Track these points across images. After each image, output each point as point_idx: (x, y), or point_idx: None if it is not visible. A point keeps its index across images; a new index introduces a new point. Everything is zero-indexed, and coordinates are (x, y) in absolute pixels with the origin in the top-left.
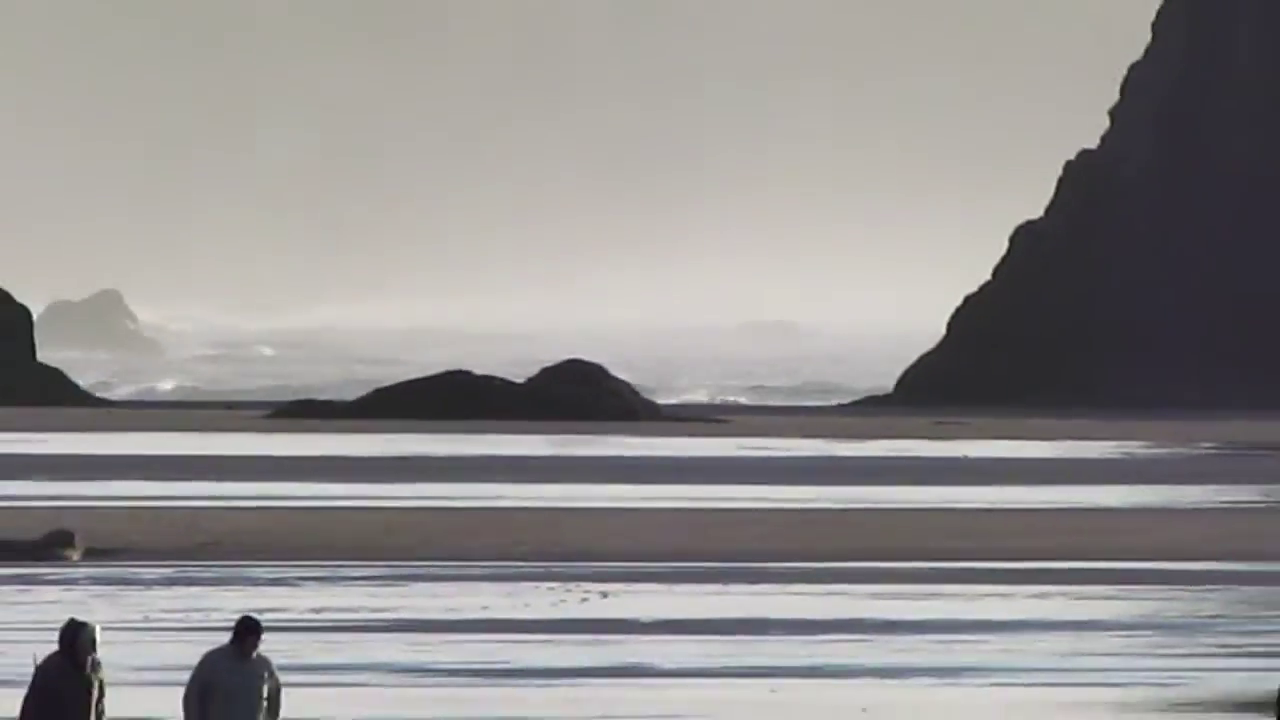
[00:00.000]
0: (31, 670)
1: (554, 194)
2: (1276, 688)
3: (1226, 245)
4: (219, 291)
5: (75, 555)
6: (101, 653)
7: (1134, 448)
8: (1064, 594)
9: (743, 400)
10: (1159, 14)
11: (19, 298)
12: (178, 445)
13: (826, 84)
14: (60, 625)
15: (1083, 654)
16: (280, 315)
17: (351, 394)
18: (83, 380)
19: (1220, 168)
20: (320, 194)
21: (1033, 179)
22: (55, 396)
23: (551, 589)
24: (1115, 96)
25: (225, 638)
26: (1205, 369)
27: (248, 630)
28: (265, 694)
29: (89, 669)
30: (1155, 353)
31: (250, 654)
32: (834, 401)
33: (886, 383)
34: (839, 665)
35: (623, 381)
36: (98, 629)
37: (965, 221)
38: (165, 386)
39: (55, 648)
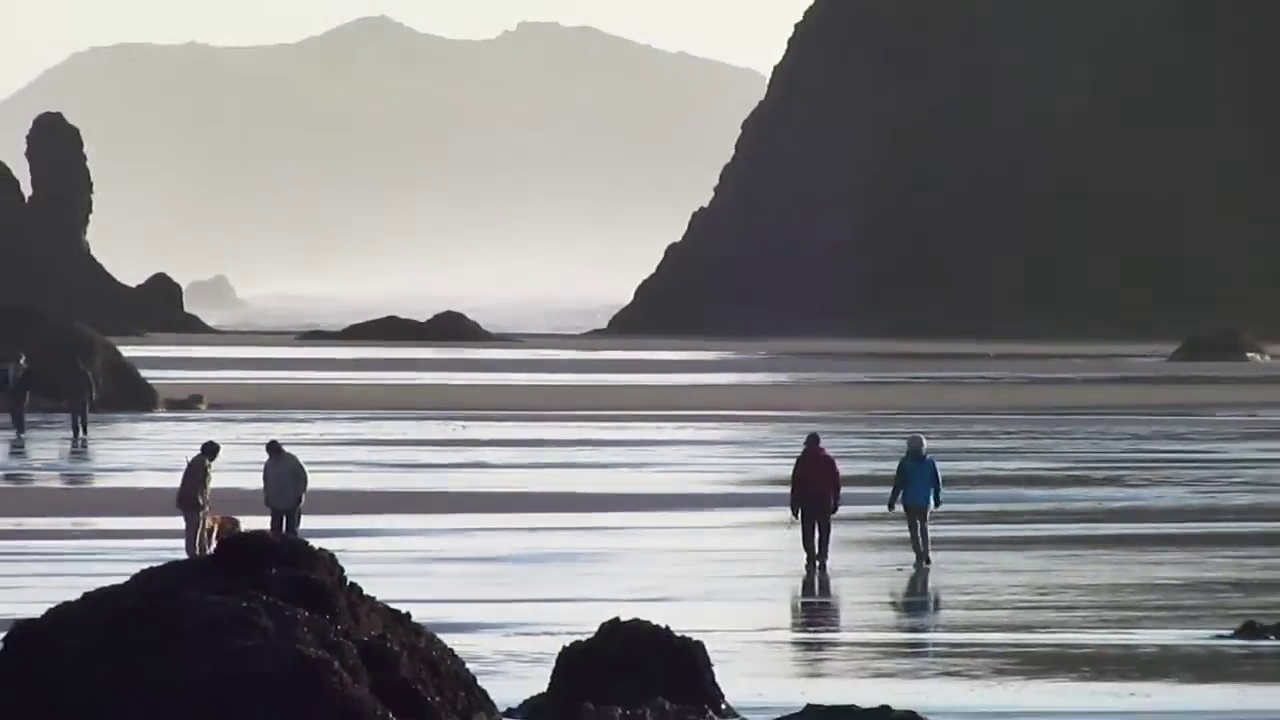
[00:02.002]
0: (186, 462)
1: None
2: (789, 488)
3: (781, 254)
4: (280, 270)
5: (203, 407)
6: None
7: (730, 356)
8: (693, 426)
9: (527, 331)
10: (743, 126)
11: (175, 279)
12: (255, 353)
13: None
14: (203, 442)
15: (700, 458)
16: (305, 285)
17: (342, 327)
18: (209, 322)
19: (773, 216)
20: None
21: (678, 217)
22: (192, 330)
23: (439, 424)
24: (716, 179)
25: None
26: (779, 315)
27: (272, 447)
28: (294, 474)
29: (211, 463)
30: (751, 305)
31: (279, 456)
32: (579, 332)
33: (603, 322)
34: (579, 459)
35: (473, 321)
36: (220, 446)
37: (641, 240)
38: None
39: (197, 452)
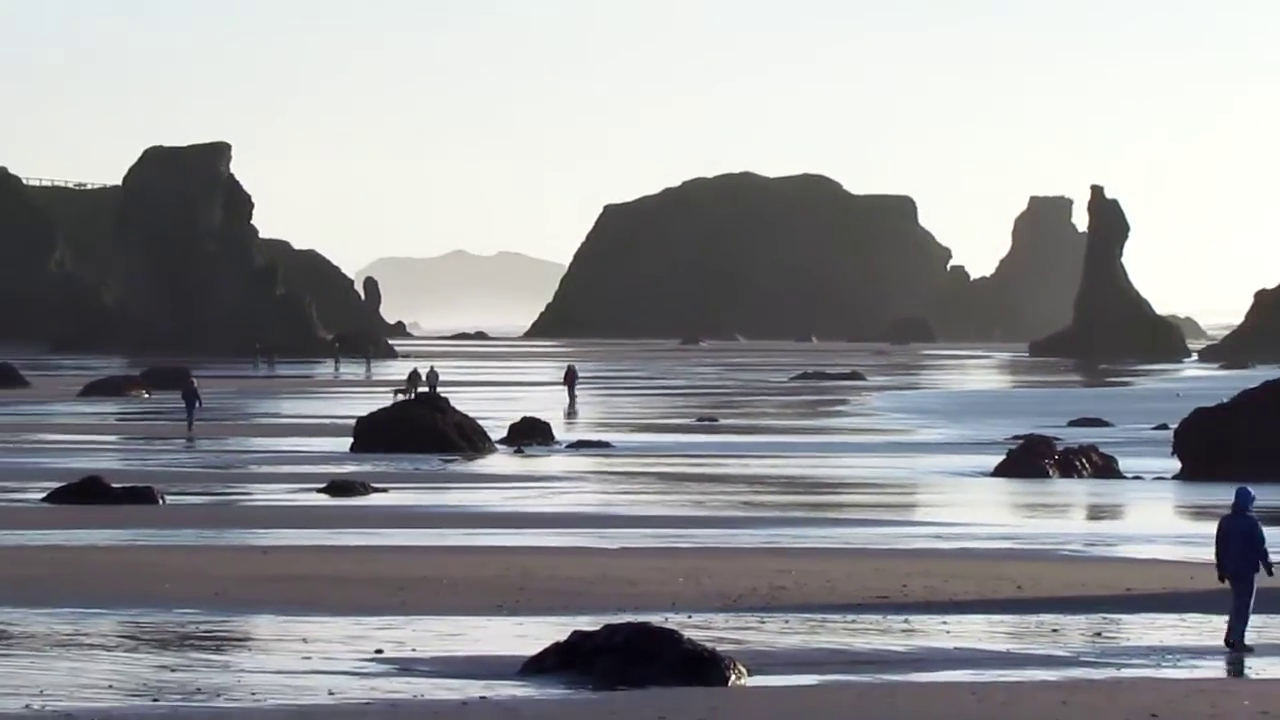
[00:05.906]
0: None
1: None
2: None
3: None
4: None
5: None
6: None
7: (556, 344)
8: (540, 361)
9: (502, 335)
10: (561, 282)
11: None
12: (435, 346)
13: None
14: (411, 368)
15: (532, 369)
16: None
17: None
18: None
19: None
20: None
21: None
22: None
23: (479, 361)
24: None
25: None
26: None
27: (432, 369)
28: (437, 375)
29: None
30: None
31: (432, 370)
32: (518, 334)
33: (521, 332)
34: (506, 372)
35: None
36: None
37: (529, 303)
38: None
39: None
